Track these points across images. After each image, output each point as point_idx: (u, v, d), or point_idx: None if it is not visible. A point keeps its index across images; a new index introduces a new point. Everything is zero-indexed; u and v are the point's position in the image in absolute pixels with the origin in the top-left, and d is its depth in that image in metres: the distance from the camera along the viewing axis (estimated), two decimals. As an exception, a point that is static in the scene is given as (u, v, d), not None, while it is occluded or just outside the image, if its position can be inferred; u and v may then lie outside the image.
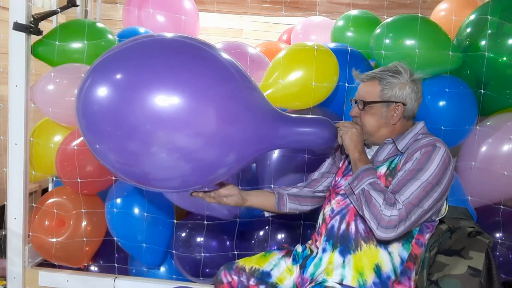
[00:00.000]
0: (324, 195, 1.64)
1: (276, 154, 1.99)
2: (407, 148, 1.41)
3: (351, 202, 1.41)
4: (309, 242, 1.58)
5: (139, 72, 1.20)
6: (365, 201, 1.32)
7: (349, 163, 1.50)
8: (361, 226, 1.39)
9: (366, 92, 1.45)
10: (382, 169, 1.43)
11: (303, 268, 1.50)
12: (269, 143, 1.40)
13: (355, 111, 1.48)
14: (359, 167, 1.38)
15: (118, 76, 1.19)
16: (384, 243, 1.37)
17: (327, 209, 1.51)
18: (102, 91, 1.19)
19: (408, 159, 1.37)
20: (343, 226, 1.43)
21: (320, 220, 1.54)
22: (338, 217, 1.45)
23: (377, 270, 1.38)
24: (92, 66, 1.25)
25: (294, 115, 1.45)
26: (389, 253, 1.38)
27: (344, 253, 1.41)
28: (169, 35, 1.32)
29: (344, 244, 1.41)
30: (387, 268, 1.38)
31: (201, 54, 1.29)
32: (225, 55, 1.33)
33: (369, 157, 1.48)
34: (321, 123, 1.45)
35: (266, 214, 1.69)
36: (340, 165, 1.60)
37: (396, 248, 1.38)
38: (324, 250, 1.45)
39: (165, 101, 1.17)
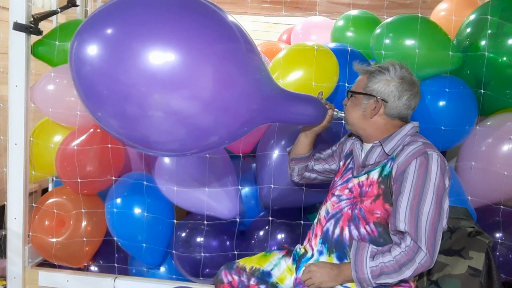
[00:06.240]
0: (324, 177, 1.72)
1: (276, 154, 1.99)
2: (394, 151, 1.38)
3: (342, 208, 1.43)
4: (306, 240, 1.58)
5: (130, 26, 1.09)
6: (394, 272, 1.28)
7: (349, 164, 1.52)
8: (354, 232, 1.39)
9: (356, 83, 1.50)
10: (375, 175, 1.40)
11: (297, 268, 1.50)
12: (264, 114, 1.36)
13: (345, 100, 1.54)
14: (352, 275, 1.32)
15: (108, 31, 1.08)
16: None
17: (323, 210, 1.51)
18: (92, 49, 1.08)
19: (404, 177, 1.30)
20: (337, 231, 1.43)
21: (316, 220, 1.54)
22: (332, 221, 1.45)
23: None
24: (81, 24, 1.14)
25: (289, 90, 1.46)
26: None
27: (341, 258, 1.41)
28: None
29: (339, 249, 1.41)
30: None
31: (199, 8, 1.18)
32: (228, 16, 1.24)
33: (360, 160, 1.47)
34: (312, 101, 1.56)
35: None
36: (341, 165, 1.60)
37: None
38: (320, 253, 1.45)
39: (160, 59, 1.07)
